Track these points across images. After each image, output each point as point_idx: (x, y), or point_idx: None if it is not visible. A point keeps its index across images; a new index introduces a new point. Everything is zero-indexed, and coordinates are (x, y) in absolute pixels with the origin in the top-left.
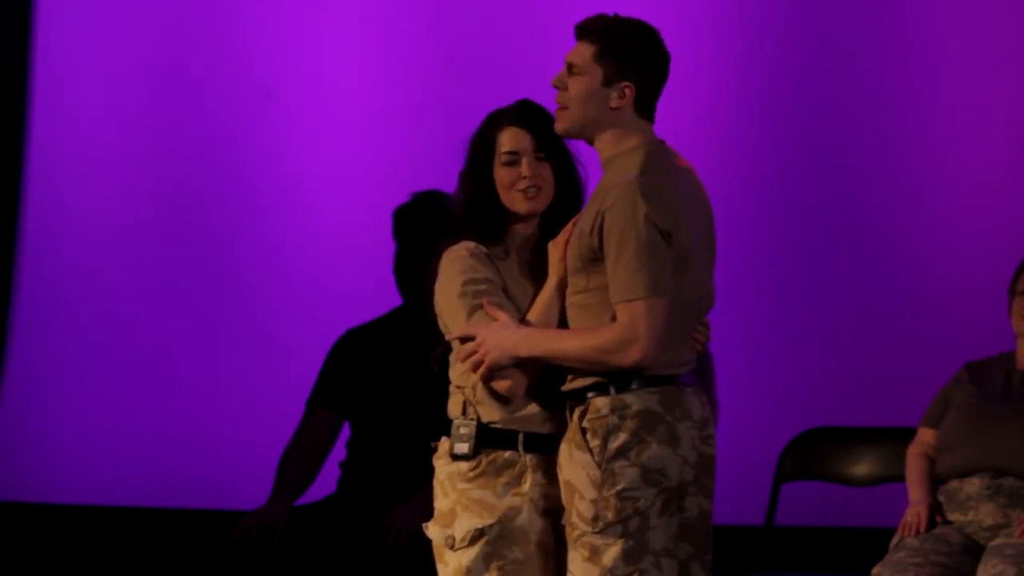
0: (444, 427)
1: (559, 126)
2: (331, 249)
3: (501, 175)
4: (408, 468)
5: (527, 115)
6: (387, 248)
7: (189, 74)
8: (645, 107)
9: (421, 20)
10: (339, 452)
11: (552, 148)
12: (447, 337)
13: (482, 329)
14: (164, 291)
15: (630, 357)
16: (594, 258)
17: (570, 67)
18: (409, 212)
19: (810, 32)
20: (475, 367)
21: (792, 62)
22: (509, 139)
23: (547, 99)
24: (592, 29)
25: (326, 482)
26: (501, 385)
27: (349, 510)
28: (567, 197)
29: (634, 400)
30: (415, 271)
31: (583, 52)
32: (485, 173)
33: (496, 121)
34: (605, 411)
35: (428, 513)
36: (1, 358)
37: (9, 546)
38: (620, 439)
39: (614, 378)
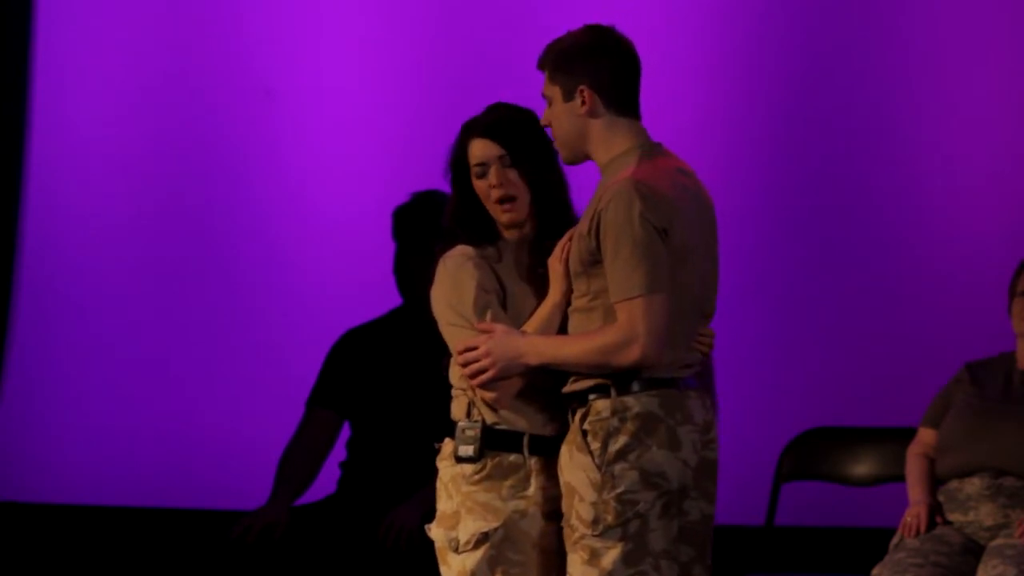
0: (445, 428)
1: (563, 157)
2: (331, 249)
3: (477, 187)
4: (408, 468)
5: (494, 123)
6: (387, 248)
7: (189, 74)
8: (618, 102)
9: (420, 20)
10: (339, 452)
11: (523, 153)
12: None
13: (486, 339)
14: (164, 291)
15: (631, 356)
16: (594, 260)
17: (545, 101)
18: (409, 212)
19: (811, 33)
20: (473, 376)
21: (792, 63)
22: (477, 151)
23: (543, 99)
24: (543, 59)
25: (326, 482)
26: (487, 396)
27: (349, 510)
28: (550, 198)
29: (635, 403)
30: (415, 271)
31: (544, 82)
32: (465, 183)
33: (466, 133)
34: (606, 413)
35: (428, 513)
36: (1, 358)
37: (9, 546)
38: (620, 442)
39: (616, 380)
